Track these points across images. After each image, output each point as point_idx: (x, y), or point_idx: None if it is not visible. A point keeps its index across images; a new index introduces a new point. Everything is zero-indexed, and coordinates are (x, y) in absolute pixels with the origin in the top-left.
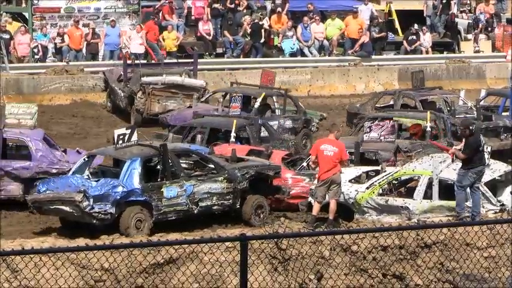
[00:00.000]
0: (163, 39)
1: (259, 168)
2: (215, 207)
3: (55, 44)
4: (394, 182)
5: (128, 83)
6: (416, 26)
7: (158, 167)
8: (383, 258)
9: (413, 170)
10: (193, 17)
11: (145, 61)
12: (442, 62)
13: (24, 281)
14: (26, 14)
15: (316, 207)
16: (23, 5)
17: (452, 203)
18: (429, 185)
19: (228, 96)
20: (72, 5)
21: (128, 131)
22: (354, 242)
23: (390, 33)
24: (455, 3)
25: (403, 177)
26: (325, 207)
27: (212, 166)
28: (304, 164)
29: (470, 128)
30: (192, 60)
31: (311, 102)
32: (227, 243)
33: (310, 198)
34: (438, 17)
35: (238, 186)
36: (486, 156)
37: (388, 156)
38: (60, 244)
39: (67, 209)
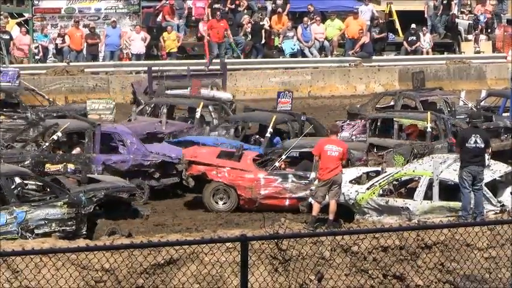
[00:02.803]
0: (164, 40)
1: (109, 190)
2: (56, 234)
3: (56, 44)
4: (394, 182)
5: (153, 96)
6: (414, 26)
7: None
8: (383, 258)
9: (413, 171)
10: (193, 18)
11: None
12: (443, 62)
13: (25, 281)
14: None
15: (316, 208)
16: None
17: (453, 204)
18: (429, 186)
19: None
20: (73, 5)
21: None
22: (354, 242)
23: (391, 34)
24: (455, 3)
25: (403, 178)
26: (325, 208)
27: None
28: (277, 164)
29: (469, 120)
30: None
31: (311, 102)
32: (227, 244)
33: (310, 199)
34: (439, 17)
35: (82, 210)
36: (486, 156)
37: (360, 155)
38: (61, 245)
39: None
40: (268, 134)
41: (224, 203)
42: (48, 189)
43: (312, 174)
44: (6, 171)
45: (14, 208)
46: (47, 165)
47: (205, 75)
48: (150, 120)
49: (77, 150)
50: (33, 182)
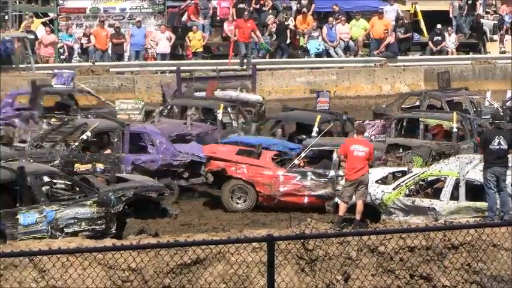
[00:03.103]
0: (190, 40)
1: (138, 190)
2: (85, 233)
3: (81, 44)
4: (420, 182)
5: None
6: (439, 26)
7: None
8: (410, 259)
9: (439, 171)
10: (218, 18)
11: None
12: (468, 62)
13: (52, 281)
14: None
15: (342, 208)
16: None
17: (479, 204)
18: (456, 186)
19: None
20: (98, 5)
21: None
22: (381, 242)
23: (416, 34)
24: (480, 4)
25: (429, 178)
26: (352, 208)
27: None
28: (296, 161)
29: (492, 121)
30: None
31: (337, 103)
32: (254, 244)
33: (336, 199)
34: (464, 17)
35: (111, 210)
36: (510, 157)
37: (379, 155)
38: (87, 244)
39: None
40: (314, 134)
41: (244, 201)
42: (77, 189)
43: (331, 172)
44: (35, 170)
45: (44, 207)
46: (76, 165)
47: (235, 77)
48: (175, 122)
49: (108, 151)
50: (62, 181)
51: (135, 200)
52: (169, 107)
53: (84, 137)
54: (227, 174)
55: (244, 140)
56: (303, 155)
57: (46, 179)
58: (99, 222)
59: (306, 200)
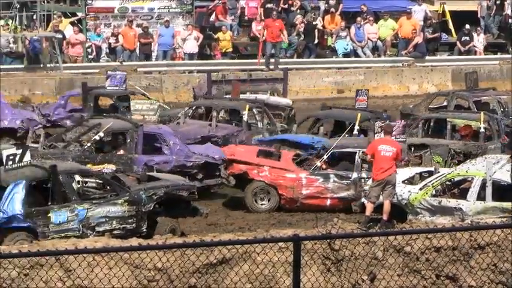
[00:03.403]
0: (220, 40)
1: (169, 188)
2: (116, 232)
3: (109, 43)
4: (447, 183)
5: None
6: (468, 26)
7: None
8: (436, 259)
9: (466, 171)
10: (246, 17)
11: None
12: (496, 63)
13: (78, 280)
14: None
15: (369, 208)
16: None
17: (506, 204)
18: (483, 186)
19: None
20: (126, 5)
21: (19, 151)
22: (407, 243)
23: (444, 34)
24: (509, 4)
25: (456, 179)
26: (378, 208)
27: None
28: (318, 164)
29: None
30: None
31: None
32: (280, 244)
33: (363, 199)
34: (492, 18)
35: (142, 208)
36: None
37: (403, 156)
38: (113, 244)
39: None
40: (355, 132)
41: (268, 200)
42: (108, 187)
43: (354, 174)
44: (67, 168)
45: (75, 206)
46: (88, 166)
47: (266, 80)
48: (200, 123)
49: (121, 152)
50: (94, 180)
51: (166, 199)
52: (194, 108)
53: (96, 137)
54: (249, 177)
55: (289, 138)
56: (325, 156)
57: (78, 177)
58: (130, 221)
59: (328, 202)
